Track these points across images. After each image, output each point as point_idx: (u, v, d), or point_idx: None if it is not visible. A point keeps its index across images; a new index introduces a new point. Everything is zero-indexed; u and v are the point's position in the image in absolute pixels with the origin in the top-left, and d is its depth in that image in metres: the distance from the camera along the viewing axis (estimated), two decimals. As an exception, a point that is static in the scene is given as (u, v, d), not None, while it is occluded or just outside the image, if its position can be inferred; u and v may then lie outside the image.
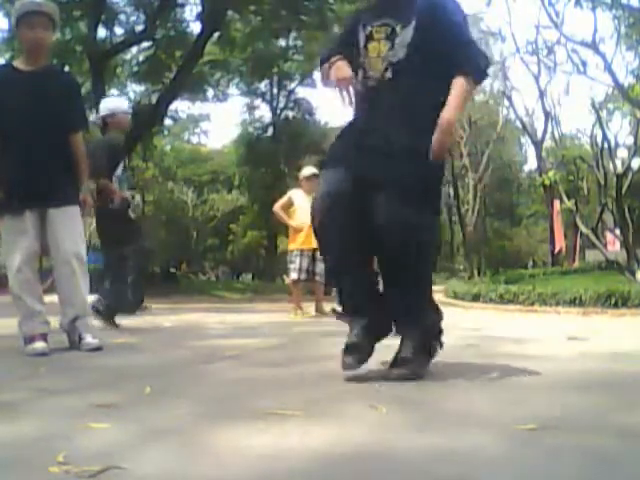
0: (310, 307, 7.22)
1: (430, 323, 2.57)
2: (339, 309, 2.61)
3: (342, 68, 2.51)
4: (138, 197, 5.47)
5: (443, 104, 2.41)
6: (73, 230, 3.57)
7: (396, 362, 2.50)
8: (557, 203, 19.25)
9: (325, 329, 5.04)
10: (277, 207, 7.36)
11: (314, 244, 5.88)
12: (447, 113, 2.39)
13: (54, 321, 4.71)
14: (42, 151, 3.45)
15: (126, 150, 5.49)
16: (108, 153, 5.00)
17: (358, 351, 2.46)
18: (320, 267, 6.52)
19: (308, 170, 7.31)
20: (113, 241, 5.08)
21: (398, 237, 2.37)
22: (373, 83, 2.52)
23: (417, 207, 2.38)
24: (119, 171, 5.11)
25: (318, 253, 6.01)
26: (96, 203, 4.48)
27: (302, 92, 35.32)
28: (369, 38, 2.54)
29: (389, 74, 2.48)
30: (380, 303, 2.53)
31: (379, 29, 2.53)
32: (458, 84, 2.43)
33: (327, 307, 6.29)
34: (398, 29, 2.49)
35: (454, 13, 2.55)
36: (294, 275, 7.04)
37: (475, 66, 2.51)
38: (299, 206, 7.00)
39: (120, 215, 5.00)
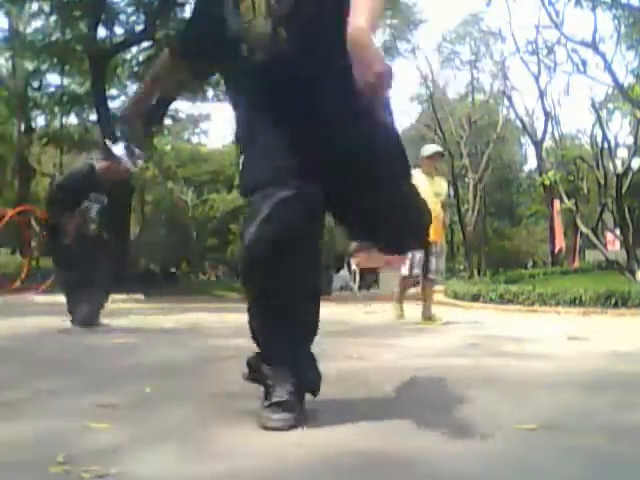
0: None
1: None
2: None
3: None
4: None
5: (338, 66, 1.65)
6: None
7: None
8: (557, 203, 19.25)
9: (325, 330, 5.04)
10: None
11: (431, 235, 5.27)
12: (356, 19, 1.57)
13: (54, 321, 4.72)
14: None
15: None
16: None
17: None
18: (434, 263, 5.89)
19: (429, 148, 6.18)
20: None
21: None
22: (261, 57, 1.79)
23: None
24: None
25: (433, 247, 5.65)
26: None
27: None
28: None
29: (278, 38, 1.77)
30: None
31: None
32: None
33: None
34: None
35: None
36: (404, 271, 5.94)
37: None
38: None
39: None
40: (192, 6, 2.26)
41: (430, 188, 5.64)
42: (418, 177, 5.60)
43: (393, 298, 6.42)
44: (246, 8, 1.79)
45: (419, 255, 5.71)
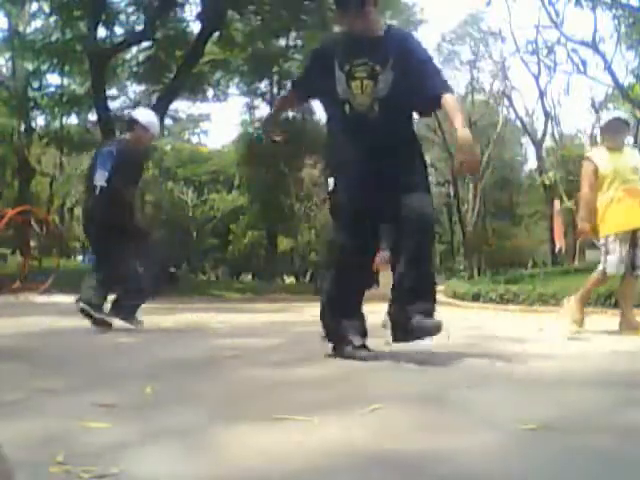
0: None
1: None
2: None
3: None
4: None
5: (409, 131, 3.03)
6: None
7: (411, 326, 2.84)
8: (557, 203, 19.25)
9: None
10: (586, 193, 4.72)
11: (636, 221, 4.59)
12: (462, 132, 2.82)
13: (54, 321, 4.72)
14: None
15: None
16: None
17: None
18: None
19: (609, 117, 4.99)
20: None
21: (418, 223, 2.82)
22: (360, 118, 2.86)
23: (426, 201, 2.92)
24: None
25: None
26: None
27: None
28: (350, 76, 2.85)
29: (376, 108, 2.84)
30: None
31: (359, 68, 2.84)
32: (452, 99, 2.90)
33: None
34: (378, 68, 2.83)
35: (422, 51, 2.98)
36: (611, 268, 4.62)
37: (450, 87, 2.99)
38: (605, 170, 4.64)
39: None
40: (307, 62, 3.32)
41: (621, 164, 4.63)
42: (600, 155, 4.74)
43: (568, 303, 4.95)
44: (356, 86, 2.85)
45: (625, 247, 4.56)
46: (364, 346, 3.00)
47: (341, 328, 3.02)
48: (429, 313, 2.85)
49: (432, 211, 2.92)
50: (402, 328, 2.89)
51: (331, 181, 3.01)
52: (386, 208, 2.88)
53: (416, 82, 2.85)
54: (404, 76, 2.83)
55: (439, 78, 2.94)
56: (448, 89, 2.93)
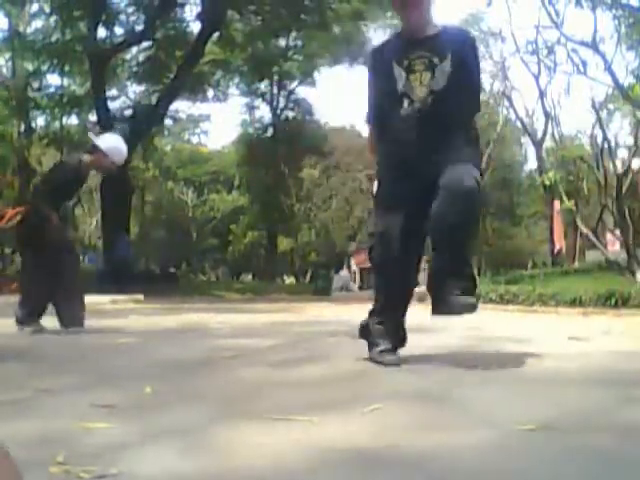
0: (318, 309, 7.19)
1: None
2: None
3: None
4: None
5: (467, 124, 2.98)
6: None
7: (449, 297, 2.81)
8: (557, 203, 19.24)
9: (325, 329, 5.04)
10: None
11: None
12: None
13: (54, 321, 4.72)
14: None
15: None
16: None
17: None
18: None
19: None
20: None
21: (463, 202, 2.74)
22: (417, 109, 2.87)
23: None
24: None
25: None
26: None
27: (302, 92, 35.32)
28: (409, 70, 2.87)
29: (430, 100, 2.85)
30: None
31: (417, 61, 2.87)
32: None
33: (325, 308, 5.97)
34: (436, 60, 2.85)
35: (478, 57, 3.09)
36: None
37: (479, 108, 3.12)
38: None
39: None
40: (368, 89, 3.12)
41: None
42: None
43: None
44: (414, 79, 2.87)
45: None
46: (392, 349, 2.95)
47: (376, 329, 3.00)
48: (468, 291, 2.85)
49: (476, 186, 2.78)
50: (441, 302, 2.88)
51: (381, 178, 3.02)
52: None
53: (465, 82, 2.90)
54: (460, 73, 2.86)
55: (476, 97, 3.07)
56: (478, 110, 3.09)
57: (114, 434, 1.67)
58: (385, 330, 2.98)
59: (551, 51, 15.93)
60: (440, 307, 2.89)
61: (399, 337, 3.02)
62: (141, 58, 21.15)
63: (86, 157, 4.89)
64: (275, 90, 32.09)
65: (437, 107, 2.84)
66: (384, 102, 2.99)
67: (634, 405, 2.01)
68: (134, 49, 20.68)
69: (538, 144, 25.26)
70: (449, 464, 1.40)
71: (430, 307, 2.97)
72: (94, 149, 4.89)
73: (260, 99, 32.82)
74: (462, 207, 2.72)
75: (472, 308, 2.83)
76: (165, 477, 1.34)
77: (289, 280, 39.06)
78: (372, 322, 3.04)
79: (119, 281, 14.14)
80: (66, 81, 23.45)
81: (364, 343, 3.06)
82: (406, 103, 2.88)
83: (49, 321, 4.68)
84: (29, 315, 4.71)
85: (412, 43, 2.92)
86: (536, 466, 1.39)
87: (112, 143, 5.01)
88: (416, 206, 2.82)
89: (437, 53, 2.86)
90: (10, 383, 2.51)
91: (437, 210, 2.77)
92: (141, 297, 11.78)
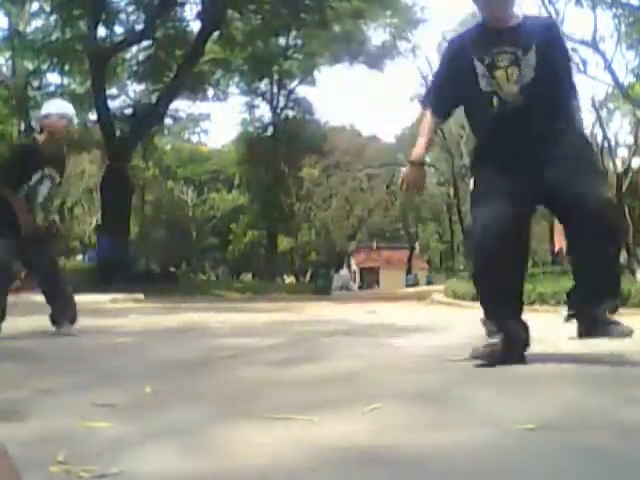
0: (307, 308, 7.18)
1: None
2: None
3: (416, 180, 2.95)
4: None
5: (567, 110, 2.81)
6: None
7: (600, 323, 2.79)
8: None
9: (325, 329, 5.04)
10: None
11: None
12: None
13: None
14: None
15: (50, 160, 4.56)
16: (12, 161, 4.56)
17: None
18: None
19: None
20: None
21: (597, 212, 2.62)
22: (510, 106, 2.74)
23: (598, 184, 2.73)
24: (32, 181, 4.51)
25: None
26: None
27: (302, 91, 35.33)
28: (492, 67, 2.75)
29: (524, 95, 2.72)
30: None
31: (500, 57, 2.74)
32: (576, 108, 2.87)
33: (321, 307, 5.92)
34: (520, 53, 2.72)
35: (563, 42, 2.97)
36: None
37: (576, 95, 2.91)
38: None
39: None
40: (438, 73, 3.08)
41: None
42: None
43: None
44: (501, 75, 2.73)
45: None
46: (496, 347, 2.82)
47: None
48: (614, 309, 2.83)
49: (608, 195, 2.71)
50: (588, 324, 2.84)
51: (479, 179, 2.90)
52: (549, 200, 2.76)
53: (555, 69, 2.78)
54: (548, 62, 2.74)
55: (571, 83, 2.89)
56: (575, 97, 2.89)
57: (114, 433, 1.67)
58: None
59: (551, 50, 15.94)
60: (596, 331, 2.84)
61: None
62: (141, 57, 21.13)
63: (39, 136, 4.64)
64: (275, 89, 32.09)
65: (530, 100, 2.72)
66: (466, 100, 2.89)
67: (633, 405, 2.01)
68: (134, 48, 20.67)
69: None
70: (449, 464, 1.40)
71: (578, 328, 2.87)
72: (42, 120, 4.64)
73: (260, 98, 32.83)
74: (603, 221, 2.61)
75: (631, 334, 2.79)
76: (165, 476, 1.35)
77: (289, 279, 39.09)
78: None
79: (105, 280, 14.09)
80: (66, 80, 23.45)
81: (363, 342, 3.06)
82: (496, 102, 2.76)
83: (49, 320, 4.66)
84: None
85: (493, 36, 2.79)
86: (536, 465, 1.39)
87: (51, 105, 4.84)
88: (521, 204, 2.73)
89: (521, 45, 2.73)
90: (10, 383, 2.51)
91: (577, 228, 2.67)
92: (141, 296, 11.78)
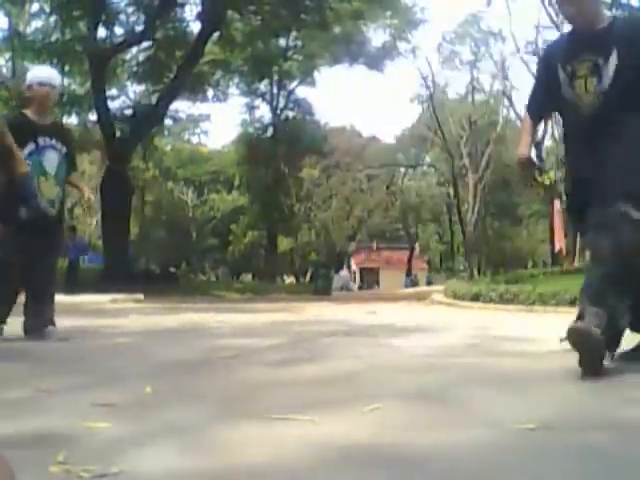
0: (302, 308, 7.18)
1: None
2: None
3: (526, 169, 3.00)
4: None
5: None
6: None
7: None
8: (557, 203, 19.25)
9: (325, 329, 5.04)
10: None
11: None
12: None
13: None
14: None
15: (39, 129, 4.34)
16: None
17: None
18: None
19: None
20: None
21: None
22: (589, 118, 2.66)
23: None
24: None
25: None
26: None
27: (302, 92, 35.34)
28: (573, 76, 2.69)
29: (601, 105, 2.62)
30: None
31: (580, 66, 2.67)
32: None
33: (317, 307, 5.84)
34: (600, 61, 2.62)
35: None
36: None
37: None
38: None
39: None
40: (535, 79, 3.11)
41: None
42: None
43: None
44: (579, 85, 2.68)
45: None
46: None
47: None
48: None
49: None
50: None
51: (568, 192, 2.91)
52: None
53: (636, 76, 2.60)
54: (630, 68, 2.58)
55: None
56: None
57: (114, 433, 1.67)
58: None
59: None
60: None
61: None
62: (141, 58, 21.14)
63: (26, 110, 4.51)
64: (275, 90, 32.09)
65: (610, 110, 2.59)
66: (560, 111, 2.89)
67: (633, 405, 2.01)
68: (134, 49, 20.68)
69: (538, 144, 25.27)
70: (449, 463, 1.40)
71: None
72: (25, 92, 4.59)
73: (260, 99, 32.83)
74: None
75: None
76: (165, 476, 1.35)
77: (289, 280, 39.08)
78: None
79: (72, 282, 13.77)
80: (66, 81, 23.43)
81: (363, 342, 3.07)
82: (575, 112, 2.72)
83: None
84: None
85: (578, 43, 2.71)
86: (535, 465, 1.39)
87: (32, 73, 4.67)
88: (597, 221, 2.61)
89: (602, 52, 2.61)
90: (10, 383, 2.51)
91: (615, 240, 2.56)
92: (141, 296, 11.79)
